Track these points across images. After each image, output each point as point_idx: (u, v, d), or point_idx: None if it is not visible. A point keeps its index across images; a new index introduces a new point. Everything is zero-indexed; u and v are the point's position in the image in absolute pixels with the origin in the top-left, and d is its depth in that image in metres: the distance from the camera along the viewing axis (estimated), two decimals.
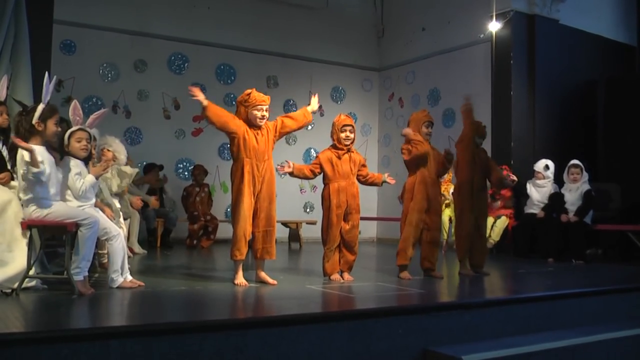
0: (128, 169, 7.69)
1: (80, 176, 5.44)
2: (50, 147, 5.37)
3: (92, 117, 5.72)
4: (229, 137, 6.13)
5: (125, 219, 7.73)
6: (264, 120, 6.16)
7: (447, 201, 11.02)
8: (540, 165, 10.08)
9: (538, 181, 10.04)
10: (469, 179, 7.31)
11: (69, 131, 5.52)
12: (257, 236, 6.11)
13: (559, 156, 10.42)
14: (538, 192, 10.02)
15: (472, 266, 7.32)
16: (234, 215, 6.07)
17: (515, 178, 10.12)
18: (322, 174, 6.59)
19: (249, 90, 6.17)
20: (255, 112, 6.08)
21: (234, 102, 12.59)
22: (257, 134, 6.11)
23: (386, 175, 6.80)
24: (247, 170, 6.02)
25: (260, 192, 6.09)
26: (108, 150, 7.31)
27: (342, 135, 6.56)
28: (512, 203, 10.40)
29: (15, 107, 5.88)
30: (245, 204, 5.99)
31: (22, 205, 5.19)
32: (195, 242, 11.02)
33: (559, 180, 10.00)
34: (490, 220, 10.21)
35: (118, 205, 7.32)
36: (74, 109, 5.56)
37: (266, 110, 6.14)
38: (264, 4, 13.45)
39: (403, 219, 6.87)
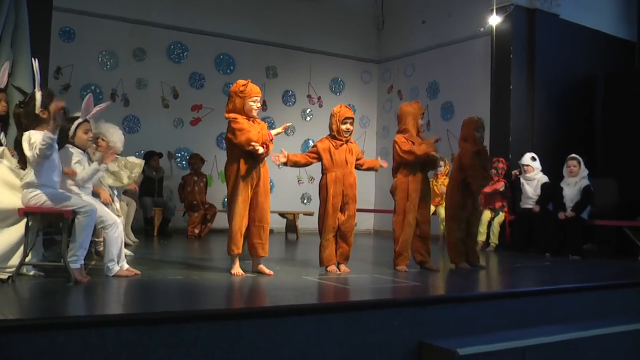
0: (136, 160, 7.68)
1: (80, 165, 5.46)
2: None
3: (96, 109, 5.73)
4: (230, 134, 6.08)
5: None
6: (257, 111, 6.19)
7: (441, 196, 11.02)
8: (527, 158, 10.14)
9: (528, 175, 10.08)
10: (458, 188, 7.33)
11: (76, 122, 5.53)
12: (253, 230, 6.11)
13: (557, 151, 10.45)
14: (530, 186, 10.05)
15: (468, 263, 7.33)
16: (230, 210, 6.05)
17: (516, 172, 10.21)
18: (320, 164, 6.59)
19: (244, 82, 6.14)
20: (252, 103, 6.10)
21: None
22: (252, 125, 6.10)
23: (379, 159, 6.89)
24: (244, 164, 6.00)
25: (257, 187, 6.09)
26: (102, 140, 7.29)
27: (343, 127, 6.57)
28: (505, 192, 10.40)
29: (15, 94, 5.86)
30: (241, 198, 5.98)
31: (22, 189, 5.17)
32: (197, 232, 11.03)
33: (550, 173, 10.02)
34: (487, 216, 10.23)
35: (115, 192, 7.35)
36: (87, 103, 5.55)
37: (259, 101, 6.19)
38: None
39: (400, 219, 6.84)
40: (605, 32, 12.30)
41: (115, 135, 7.43)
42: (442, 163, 10.41)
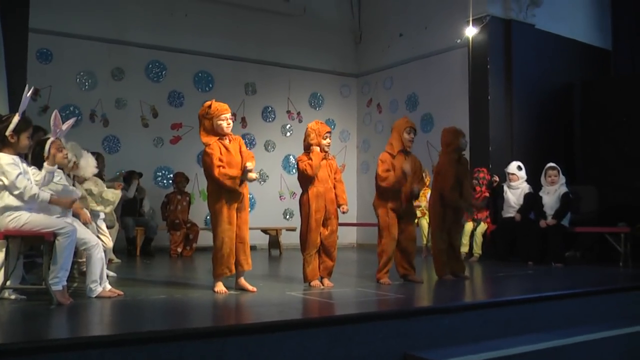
0: (110, 195, 7.53)
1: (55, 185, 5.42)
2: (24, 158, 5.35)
3: (64, 125, 5.70)
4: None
5: (109, 227, 7.71)
6: (230, 127, 6.12)
7: (421, 208, 11.02)
8: (513, 166, 10.19)
9: (512, 183, 10.14)
10: (439, 199, 7.37)
11: (49, 141, 5.48)
12: (238, 247, 6.07)
13: (537, 159, 10.51)
14: (513, 195, 10.10)
15: (452, 274, 7.34)
16: (217, 233, 5.99)
17: (496, 179, 10.25)
18: (299, 180, 6.60)
19: (208, 103, 6.11)
20: (220, 122, 6.03)
21: None
22: (227, 144, 6.06)
23: (342, 206, 6.68)
24: (227, 186, 5.99)
25: (240, 202, 6.08)
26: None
27: (325, 142, 6.57)
28: (486, 203, 10.43)
29: None
30: (227, 220, 5.95)
31: None
32: (179, 250, 10.99)
33: (534, 182, 10.08)
34: (469, 226, 10.25)
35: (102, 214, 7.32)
36: (55, 119, 5.52)
37: (230, 118, 6.12)
38: (242, 11, 13.45)
39: (382, 233, 6.88)
40: (580, 40, 12.42)
41: (86, 160, 7.31)
42: (423, 174, 10.44)
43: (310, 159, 6.49)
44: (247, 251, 6.13)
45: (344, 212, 6.68)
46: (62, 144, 5.57)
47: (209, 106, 6.06)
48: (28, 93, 5.22)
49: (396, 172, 6.77)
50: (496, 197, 10.40)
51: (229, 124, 6.09)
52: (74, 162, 6.24)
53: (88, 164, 7.31)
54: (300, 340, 4.18)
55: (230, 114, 6.13)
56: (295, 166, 6.68)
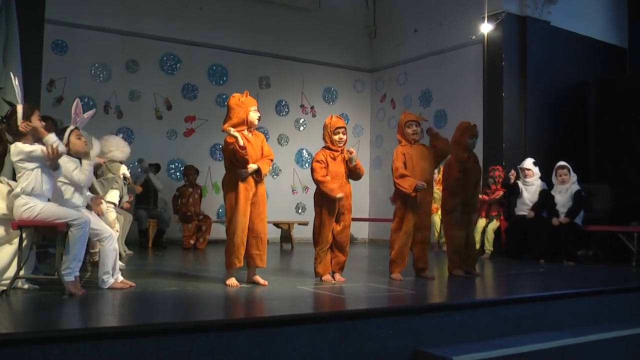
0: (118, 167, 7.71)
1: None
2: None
3: (84, 115, 5.74)
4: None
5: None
6: (258, 121, 6.22)
7: (436, 204, 10.99)
8: (528, 162, 10.13)
9: (527, 179, 10.06)
10: (455, 195, 7.33)
11: (68, 130, 5.51)
12: (250, 241, 6.10)
13: (550, 157, 10.45)
14: (528, 192, 10.04)
15: (464, 271, 7.32)
16: (230, 223, 6.03)
17: (513, 173, 10.13)
18: (311, 173, 6.60)
19: (240, 94, 6.18)
20: (254, 113, 6.13)
21: (225, 103, 12.64)
22: (247, 136, 6.10)
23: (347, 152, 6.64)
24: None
25: (254, 197, 6.10)
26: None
27: (336, 137, 6.57)
28: (502, 200, 10.39)
29: (6, 107, 5.85)
30: (241, 211, 5.98)
31: (12, 200, 5.16)
32: (192, 242, 11.02)
33: (547, 180, 10.03)
34: (481, 223, 10.21)
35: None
36: (76, 107, 5.55)
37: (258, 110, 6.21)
38: (257, 5, 13.46)
39: (397, 225, 6.85)
40: (595, 38, 12.36)
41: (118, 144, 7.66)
42: (435, 171, 10.35)
43: (325, 158, 6.51)
44: (261, 247, 6.14)
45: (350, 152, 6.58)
46: (80, 132, 5.59)
47: (245, 96, 6.16)
48: (16, 81, 5.27)
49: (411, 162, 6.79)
50: (512, 194, 10.33)
51: (258, 117, 6.21)
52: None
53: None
54: (311, 335, 4.18)
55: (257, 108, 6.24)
56: (310, 162, 6.68)
